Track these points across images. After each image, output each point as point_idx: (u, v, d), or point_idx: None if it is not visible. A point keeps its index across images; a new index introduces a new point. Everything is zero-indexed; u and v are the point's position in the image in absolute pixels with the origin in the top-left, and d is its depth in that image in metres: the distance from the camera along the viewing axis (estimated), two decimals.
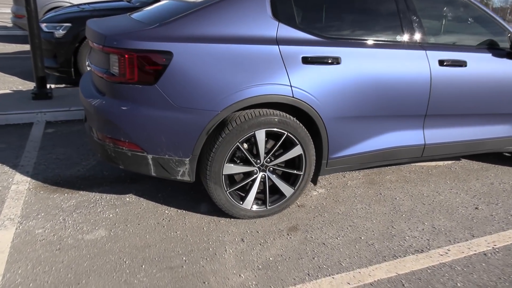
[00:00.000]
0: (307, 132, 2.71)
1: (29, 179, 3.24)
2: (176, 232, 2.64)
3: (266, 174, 2.73)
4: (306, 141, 2.71)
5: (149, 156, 2.52)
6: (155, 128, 2.44)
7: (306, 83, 2.58)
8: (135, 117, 2.42)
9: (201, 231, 2.66)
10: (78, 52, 5.51)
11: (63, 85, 5.94)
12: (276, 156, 2.73)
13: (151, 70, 2.36)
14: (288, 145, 2.74)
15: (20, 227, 2.62)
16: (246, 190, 2.77)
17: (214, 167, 2.55)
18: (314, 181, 2.97)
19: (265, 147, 2.67)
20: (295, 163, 2.82)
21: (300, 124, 2.67)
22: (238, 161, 2.72)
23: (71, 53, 5.48)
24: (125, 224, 2.70)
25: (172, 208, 2.91)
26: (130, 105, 2.43)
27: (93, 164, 3.53)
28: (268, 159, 2.70)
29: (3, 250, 2.39)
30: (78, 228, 2.63)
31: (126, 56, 2.34)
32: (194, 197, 3.08)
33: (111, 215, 2.79)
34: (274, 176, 2.76)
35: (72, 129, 4.36)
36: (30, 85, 5.67)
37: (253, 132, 2.55)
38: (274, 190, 2.82)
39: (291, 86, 2.54)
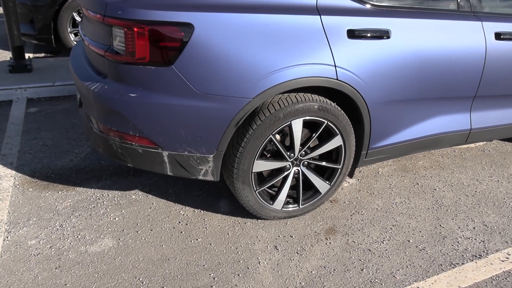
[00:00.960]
0: (348, 120, 2.29)
1: (13, 172, 2.75)
2: (197, 240, 2.24)
3: (300, 169, 2.33)
4: (347, 131, 2.30)
5: (165, 153, 2.07)
6: (173, 120, 1.98)
7: (352, 62, 2.14)
8: (147, 107, 1.96)
9: (225, 237, 2.27)
10: (58, 16, 4.85)
11: (42, 55, 5.30)
12: (311, 149, 2.33)
13: (167, 47, 1.88)
14: (327, 135, 2.34)
15: (9, 237, 2.18)
16: (276, 187, 2.38)
17: (243, 165, 2.13)
18: (351, 173, 2.59)
19: (301, 138, 2.26)
20: (331, 155, 2.42)
21: (342, 111, 2.25)
22: (269, 156, 2.30)
23: (50, 17, 4.82)
24: (135, 230, 2.28)
25: (187, 208, 2.50)
26: (140, 91, 1.96)
27: (87, 152, 3.06)
28: (303, 152, 2.29)
29: None
30: (79, 237, 2.21)
31: (135, 29, 1.84)
32: (210, 192, 2.67)
33: (116, 219, 2.36)
34: (308, 170, 2.36)
35: (58, 107, 3.82)
36: (7, 55, 5.01)
37: (289, 122, 2.13)
38: (308, 186, 2.44)
39: (335, 66, 2.09)
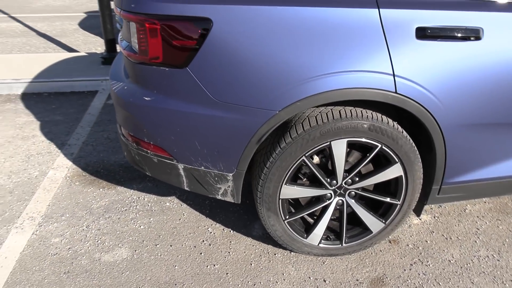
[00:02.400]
0: (413, 145, 1.77)
1: (70, 163, 2.82)
2: (214, 266, 1.97)
3: (344, 199, 1.89)
4: (410, 159, 1.78)
5: (180, 166, 1.83)
6: (187, 130, 1.73)
7: (420, 70, 1.62)
8: (161, 113, 1.73)
9: (247, 269, 1.95)
10: None
11: None
12: (361, 176, 1.86)
13: (181, 46, 1.62)
14: (381, 161, 1.85)
15: (38, 231, 2.18)
16: (313, 218, 1.97)
17: (267, 189, 1.78)
18: (418, 211, 2.04)
19: (346, 162, 1.82)
20: (389, 186, 1.92)
21: (404, 133, 1.74)
22: (304, 179, 1.91)
23: None
24: (155, 243, 2.11)
25: (217, 225, 2.24)
26: (155, 95, 1.74)
27: None
28: (350, 180, 1.84)
29: (7, 265, 1.96)
30: (99, 241, 2.11)
31: (147, 25, 1.62)
32: (249, 209, 2.37)
33: (141, 227, 2.22)
34: (356, 203, 1.90)
35: None
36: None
37: (327, 143, 1.71)
38: (355, 220, 1.98)
39: (394, 75, 1.60)
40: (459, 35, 1.61)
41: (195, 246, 2.09)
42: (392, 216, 1.92)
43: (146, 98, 1.75)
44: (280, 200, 1.82)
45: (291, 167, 1.74)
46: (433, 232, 2.20)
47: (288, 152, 1.70)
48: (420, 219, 2.29)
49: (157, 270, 1.94)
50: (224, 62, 1.60)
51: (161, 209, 2.36)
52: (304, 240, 1.93)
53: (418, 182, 1.86)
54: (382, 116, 1.72)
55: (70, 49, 5.46)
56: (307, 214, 2.00)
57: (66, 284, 1.86)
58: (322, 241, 1.96)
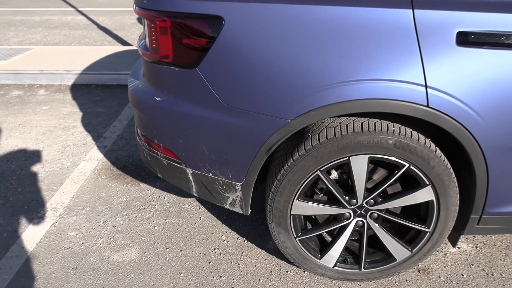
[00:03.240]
0: (449, 167, 1.53)
1: (101, 156, 2.85)
2: (220, 277, 1.86)
3: (365, 221, 1.69)
4: (444, 182, 1.54)
5: (189, 171, 1.74)
6: (195, 134, 1.63)
7: (459, 82, 1.38)
8: (170, 114, 1.65)
9: (254, 285, 1.83)
10: None
11: None
12: (386, 197, 1.66)
13: (191, 45, 1.52)
14: (410, 182, 1.63)
15: (57, 223, 2.21)
16: (329, 238, 1.80)
17: (277, 203, 1.64)
18: (453, 240, 1.79)
19: (368, 180, 1.62)
20: (418, 210, 1.70)
21: (438, 152, 1.51)
22: (321, 195, 1.74)
23: None
24: (165, 246, 2.04)
25: (232, 233, 2.13)
26: (165, 95, 1.66)
27: None
28: (372, 200, 1.64)
29: (21, 254, 2.00)
30: (112, 239, 2.09)
31: (157, 22, 1.54)
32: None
33: (156, 228, 2.17)
34: (378, 226, 1.69)
35: None
36: None
37: (346, 158, 1.53)
38: (376, 245, 1.77)
39: (426, 86, 1.38)
40: (509, 42, 1.36)
41: (205, 254, 2.00)
42: (420, 244, 1.69)
43: (156, 98, 1.68)
44: (292, 216, 1.67)
45: (304, 182, 1.58)
46: (472, 264, 1.93)
47: (301, 165, 1.55)
48: (458, 248, 2.02)
49: (162, 276, 1.87)
50: (235, 64, 1.48)
51: (179, 211, 2.29)
52: (318, 261, 1.76)
53: (453, 209, 1.61)
54: (412, 131, 1.51)
55: (124, 43, 5.62)
56: (325, 232, 1.83)
57: (72, 281, 1.85)
58: (338, 263, 1.78)
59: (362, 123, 1.50)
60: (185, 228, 2.17)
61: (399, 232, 1.76)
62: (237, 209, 1.74)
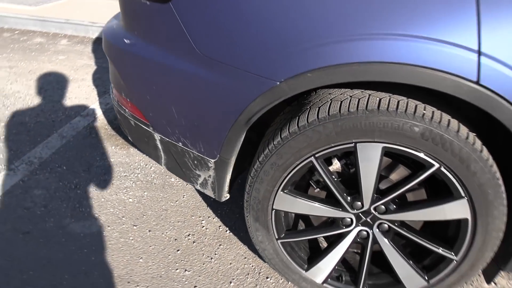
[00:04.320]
0: (497, 176, 1.08)
1: (99, 113, 2.58)
2: (185, 271, 1.53)
3: (371, 232, 1.28)
4: (487, 196, 1.09)
5: (156, 136, 1.40)
6: (163, 89, 1.27)
7: None
8: (137, 61, 1.31)
9: (214, 277, 1.48)
10: None
11: None
12: (403, 205, 1.23)
13: None
14: (439, 189, 1.19)
15: (26, 179, 1.96)
16: (320, 248, 1.41)
17: (256, 191, 1.26)
18: (489, 276, 1.33)
19: (381, 179, 1.21)
20: (445, 228, 1.26)
21: (485, 153, 1.06)
22: (317, 190, 1.34)
23: None
24: (133, 223, 1.74)
25: (214, 220, 1.78)
26: (135, 38, 1.31)
27: None
28: (383, 206, 1.22)
29: None
30: (77, 205, 1.81)
31: None
32: None
33: (130, 200, 1.86)
34: (387, 241, 1.27)
35: None
36: None
37: (351, 144, 1.11)
38: (382, 265, 1.36)
39: (479, 52, 0.93)
40: None
41: (176, 240, 1.66)
42: (442, 274, 1.26)
43: (125, 41, 1.34)
44: (274, 211, 1.28)
45: (293, 169, 1.19)
46: None
47: (291, 146, 1.15)
48: (494, 284, 1.55)
49: (118, 258, 1.57)
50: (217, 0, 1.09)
51: (162, 184, 1.97)
52: (303, 272, 1.37)
53: (495, 236, 1.16)
54: (451, 120, 1.06)
55: None
56: (319, 237, 1.44)
57: (18, 247, 1.59)
58: (330, 280, 1.38)
59: (380, 99, 1.08)
60: (163, 205, 1.84)
61: (415, 254, 1.33)
62: (208, 191, 1.39)
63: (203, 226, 1.74)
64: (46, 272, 1.49)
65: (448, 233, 1.25)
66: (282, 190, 1.23)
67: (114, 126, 2.45)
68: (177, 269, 1.53)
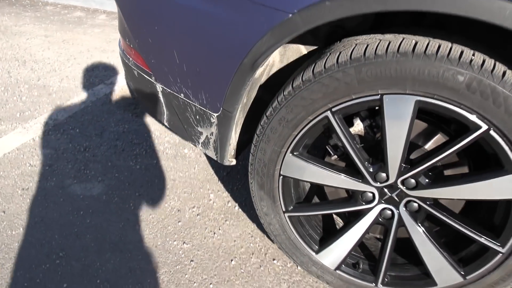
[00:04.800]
0: None
1: (123, 83, 2.50)
2: (183, 244, 1.37)
3: (397, 212, 1.06)
4: None
5: (159, 87, 1.25)
6: (165, 29, 1.12)
7: None
8: (140, 2, 1.16)
9: (221, 265, 1.31)
10: None
11: None
12: (436, 180, 1.00)
13: None
14: (487, 161, 0.96)
15: (37, 138, 1.89)
16: (336, 229, 1.20)
17: (262, 152, 1.08)
18: None
19: (413, 148, 0.99)
20: (491, 213, 1.02)
21: None
22: (334, 157, 1.13)
23: None
24: (138, 191, 1.61)
25: (224, 194, 1.62)
26: None
27: None
28: (412, 180, 1.00)
29: None
30: (83, 167, 1.71)
31: None
32: None
33: (138, 167, 1.74)
34: (417, 225, 1.05)
35: None
36: None
37: (376, 95, 0.90)
38: (408, 254, 1.14)
39: None
40: None
41: (179, 211, 1.52)
42: (483, 269, 1.02)
43: None
44: (282, 178, 1.10)
45: (304, 126, 1.00)
46: None
47: (303, 96, 0.96)
48: None
49: (113, 223, 1.44)
50: None
51: (175, 155, 1.84)
52: (313, 254, 1.17)
53: None
54: (507, 70, 0.83)
55: None
56: (320, 219, 1.24)
57: (13, 201, 1.50)
58: (344, 266, 1.17)
59: (416, 42, 0.86)
60: (172, 175, 1.70)
61: (450, 243, 1.10)
62: (210, 152, 1.22)
63: (210, 200, 1.58)
64: (37, 230, 1.39)
65: (495, 218, 1.01)
66: (292, 152, 1.04)
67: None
68: (175, 241, 1.38)
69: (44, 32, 3.28)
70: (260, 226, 1.46)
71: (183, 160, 1.80)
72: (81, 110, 2.15)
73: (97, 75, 2.58)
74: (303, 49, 1.20)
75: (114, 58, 2.85)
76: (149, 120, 2.10)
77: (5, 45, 2.97)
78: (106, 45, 3.10)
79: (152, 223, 1.45)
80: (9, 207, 1.48)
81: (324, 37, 1.16)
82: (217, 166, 1.78)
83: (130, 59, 1.32)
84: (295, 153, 1.05)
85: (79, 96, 2.30)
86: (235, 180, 1.70)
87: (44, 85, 2.41)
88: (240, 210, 1.54)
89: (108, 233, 1.40)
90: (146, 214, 1.49)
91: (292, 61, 1.20)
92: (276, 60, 1.17)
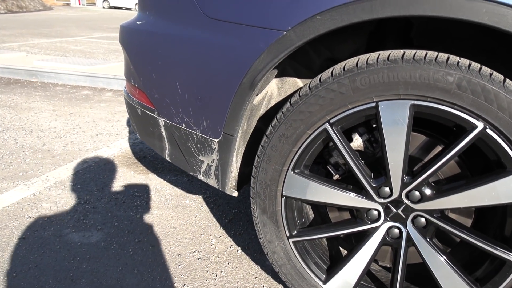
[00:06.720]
0: None
1: (126, 146, 2.56)
2: (183, 286, 1.30)
3: (405, 230, 1.03)
4: None
5: (161, 121, 1.29)
6: (168, 62, 1.19)
7: None
8: (146, 38, 1.26)
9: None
10: None
11: None
12: (440, 189, 0.99)
13: None
14: (488, 164, 0.96)
15: (38, 193, 1.88)
16: (342, 255, 1.15)
17: (263, 172, 1.08)
18: None
19: (414, 161, 1.00)
20: (503, 224, 0.98)
21: None
22: (336, 175, 1.13)
23: None
24: (137, 238, 1.56)
25: (226, 239, 1.57)
26: (146, 17, 1.28)
27: None
28: (416, 192, 0.99)
29: None
30: (82, 218, 1.68)
31: None
32: None
33: (138, 216, 1.71)
34: (427, 242, 1.01)
35: None
36: None
37: (371, 103, 0.93)
38: (418, 275, 1.07)
39: None
40: None
41: (179, 255, 1.46)
42: (503, 285, 0.95)
43: (138, 22, 1.31)
44: (284, 199, 1.08)
45: (305, 141, 1.01)
46: None
47: (301, 111, 0.99)
48: None
49: (110, 268, 1.37)
50: None
51: (176, 205, 1.81)
52: (321, 285, 1.11)
53: None
54: (493, 71, 0.87)
55: None
56: (325, 245, 1.19)
57: (8, 250, 1.45)
58: None
59: (405, 51, 0.92)
60: (173, 223, 1.67)
61: (464, 262, 1.04)
62: (211, 180, 1.21)
63: (212, 245, 1.53)
64: (30, 275, 1.32)
65: (505, 231, 0.97)
66: (293, 170, 1.05)
67: (138, 156, 2.39)
68: (175, 283, 1.31)
69: (52, 107, 3.42)
70: (264, 267, 1.40)
71: (184, 210, 1.77)
72: (84, 169, 2.17)
73: (101, 140, 2.64)
74: (299, 82, 1.26)
75: (118, 127, 2.95)
76: (151, 176, 2.11)
77: (14, 117, 3.09)
78: (111, 116, 3.22)
79: (151, 266, 1.39)
80: (3, 255, 1.42)
81: (319, 70, 1.23)
82: (219, 214, 1.74)
83: (134, 99, 1.38)
84: (296, 171, 1.05)
85: (83, 157, 2.33)
86: (237, 226, 1.65)
87: (49, 149, 2.46)
88: (243, 253, 1.48)
89: (105, 277, 1.33)
90: (145, 259, 1.43)
91: (289, 94, 1.26)
92: (274, 92, 1.23)
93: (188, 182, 2.05)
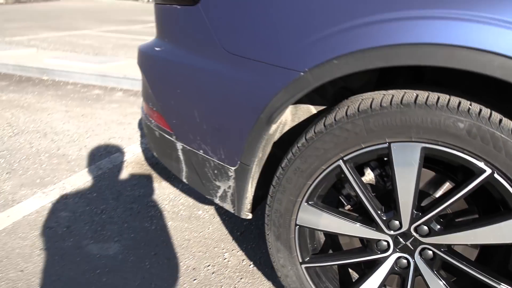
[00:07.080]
0: None
1: (139, 151, 2.62)
2: None
3: (412, 260, 1.08)
4: None
5: (179, 145, 1.34)
6: (187, 91, 1.24)
7: None
8: (164, 66, 1.30)
9: None
10: None
11: None
12: (447, 226, 1.04)
13: None
14: (496, 205, 1.01)
15: (56, 201, 1.95)
16: (351, 280, 1.21)
17: (278, 202, 1.13)
18: None
19: (424, 196, 1.04)
20: (504, 261, 1.03)
21: None
22: (347, 206, 1.18)
23: None
24: (154, 250, 1.63)
25: (239, 253, 1.63)
26: (164, 44, 1.33)
27: None
28: (425, 227, 1.04)
29: (2, 223, 1.75)
30: (100, 228, 1.74)
31: None
32: None
33: (153, 228, 1.77)
34: (433, 273, 1.06)
35: None
36: None
37: (384, 144, 0.98)
38: None
39: None
40: None
41: (194, 269, 1.52)
42: None
43: (156, 49, 1.35)
44: (298, 228, 1.14)
45: (319, 175, 1.06)
46: None
47: (316, 147, 1.04)
48: None
49: (129, 281, 1.44)
50: None
51: (189, 216, 1.88)
52: None
53: None
54: (503, 118, 0.91)
55: None
56: (350, 262, 1.24)
57: (31, 261, 1.52)
58: None
59: (418, 94, 0.96)
60: (187, 235, 1.73)
61: None
62: (228, 205, 1.27)
63: (225, 258, 1.59)
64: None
65: (509, 266, 1.02)
66: (307, 201, 1.10)
67: (150, 162, 2.45)
68: None
69: (65, 108, 3.49)
70: (275, 284, 1.46)
71: (197, 221, 1.84)
72: (98, 176, 2.24)
73: (114, 145, 2.70)
74: (312, 109, 1.31)
75: (130, 130, 3.01)
76: (164, 184, 2.17)
77: (28, 119, 3.16)
78: (123, 118, 3.28)
79: (168, 280, 1.45)
80: (27, 266, 1.49)
81: (332, 97, 1.27)
82: (231, 226, 1.80)
83: (152, 121, 1.43)
84: (310, 203, 1.10)
85: (97, 163, 2.39)
86: (249, 239, 1.71)
87: (64, 154, 2.52)
88: (255, 268, 1.54)
89: None
90: (162, 272, 1.49)
91: (303, 120, 1.30)
92: (288, 119, 1.27)
93: (201, 197, 2.11)
